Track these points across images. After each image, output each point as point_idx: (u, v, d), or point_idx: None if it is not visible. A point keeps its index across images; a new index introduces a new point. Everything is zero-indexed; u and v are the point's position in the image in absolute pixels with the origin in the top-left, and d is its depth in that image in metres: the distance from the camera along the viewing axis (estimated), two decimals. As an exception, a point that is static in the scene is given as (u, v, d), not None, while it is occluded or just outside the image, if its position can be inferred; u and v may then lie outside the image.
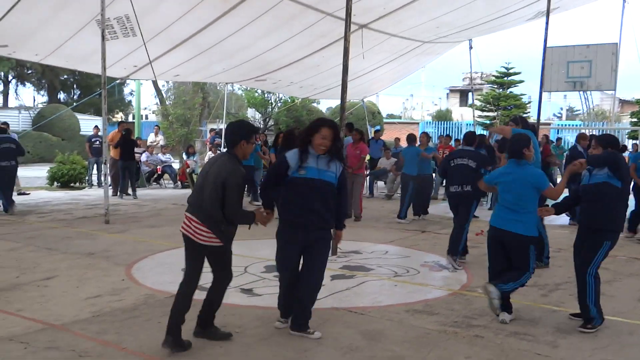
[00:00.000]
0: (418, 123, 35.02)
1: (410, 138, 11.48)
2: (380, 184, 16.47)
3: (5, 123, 14.45)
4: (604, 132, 19.03)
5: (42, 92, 44.56)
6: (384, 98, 49.16)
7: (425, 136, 11.90)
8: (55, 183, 16.09)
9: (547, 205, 5.44)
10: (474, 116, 22.92)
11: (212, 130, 20.76)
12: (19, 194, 14.01)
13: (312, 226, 4.38)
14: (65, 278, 6.17)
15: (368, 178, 15.55)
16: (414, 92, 59.71)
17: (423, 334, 4.63)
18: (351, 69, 15.20)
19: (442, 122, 34.49)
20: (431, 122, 36.70)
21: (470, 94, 35.00)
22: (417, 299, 5.68)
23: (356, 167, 11.00)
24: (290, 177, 4.41)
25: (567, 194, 5.70)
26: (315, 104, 29.45)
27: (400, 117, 50.79)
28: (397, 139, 17.94)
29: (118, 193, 14.20)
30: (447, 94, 58.94)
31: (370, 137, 17.90)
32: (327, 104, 34.24)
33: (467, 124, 32.70)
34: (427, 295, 5.82)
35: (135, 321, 4.79)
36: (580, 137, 10.98)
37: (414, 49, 16.55)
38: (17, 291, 5.64)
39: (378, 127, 23.95)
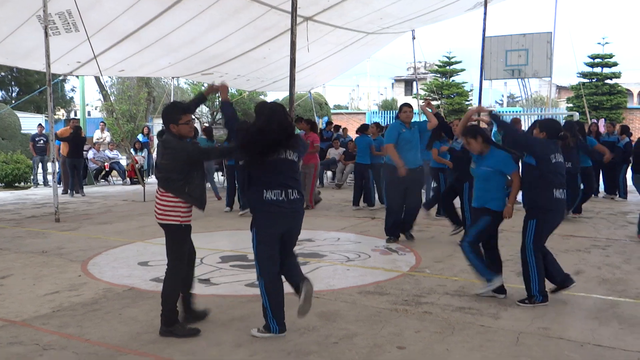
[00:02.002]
0: (365, 113, 35.44)
1: (362, 127, 11.77)
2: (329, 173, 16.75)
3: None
4: (543, 118, 19.84)
5: (-23, 90, 42.97)
6: (330, 89, 49.56)
7: (376, 126, 12.17)
8: (-1, 183, 15.74)
9: None
10: (418, 105, 23.42)
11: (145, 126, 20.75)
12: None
13: None
14: (20, 276, 6.18)
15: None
16: (360, 82, 60.24)
17: (375, 312, 4.89)
18: (297, 60, 15.38)
19: (388, 112, 35.00)
20: (377, 112, 37.18)
21: (414, 83, 35.69)
22: (368, 281, 5.95)
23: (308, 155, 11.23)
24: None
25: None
26: (262, 97, 29.48)
27: (347, 108, 51.23)
28: (343, 129, 18.22)
29: (68, 191, 14.00)
30: (392, 83, 59.76)
31: (322, 128, 18.17)
32: (274, 96, 34.26)
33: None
34: (378, 278, 6.09)
35: (96, 314, 4.88)
36: (514, 122, 11.53)
37: (359, 40, 16.86)
38: (-28, 291, 5.63)
39: (326, 118, 24.24)
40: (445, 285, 5.75)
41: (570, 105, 30.24)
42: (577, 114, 19.99)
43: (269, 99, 31.02)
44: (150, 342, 4.23)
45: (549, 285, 5.24)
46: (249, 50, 15.59)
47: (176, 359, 3.93)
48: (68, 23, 11.40)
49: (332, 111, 34.10)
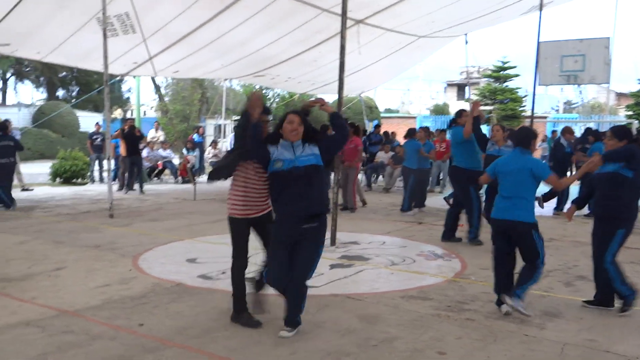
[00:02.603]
0: (415, 117, 35.20)
1: (410, 132, 11.72)
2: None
3: (7, 120, 14.66)
4: (602, 125, 19.28)
5: (40, 89, 44.67)
6: (381, 92, 49.33)
7: (424, 131, 12.10)
8: (58, 179, 16.32)
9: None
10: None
11: (195, 128, 21.09)
12: (23, 189, 14.25)
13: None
14: (74, 269, 6.42)
15: (366, 171, 15.84)
16: (411, 86, 59.80)
17: (417, 317, 4.88)
18: (348, 64, 15.40)
19: (439, 116, 34.69)
20: (428, 116, 36.88)
21: (467, 88, 35.21)
22: (412, 285, 5.93)
23: (355, 160, 11.27)
24: (270, 172, 4.37)
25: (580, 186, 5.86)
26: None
27: (397, 112, 50.97)
28: (392, 133, 18.16)
29: (124, 188, 14.44)
30: (445, 88, 59.10)
31: (370, 131, 18.17)
32: (326, 99, 34.27)
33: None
34: (422, 282, 6.06)
35: (144, 307, 5.04)
36: (566, 131, 11.23)
37: (410, 44, 16.76)
38: (30, 281, 5.89)
39: (376, 122, 24.19)
40: (490, 293, 5.65)
41: (630, 112, 29.29)
42: (637, 122, 19.36)
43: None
44: (194, 336, 4.34)
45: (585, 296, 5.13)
46: (300, 53, 15.71)
47: (218, 354, 4.02)
48: (126, 25, 11.74)
49: (382, 115, 34.04)
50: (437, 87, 60.99)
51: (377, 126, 18.68)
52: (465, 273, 6.50)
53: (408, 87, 59.21)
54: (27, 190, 14.32)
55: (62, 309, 4.96)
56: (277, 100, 28.66)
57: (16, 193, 13.53)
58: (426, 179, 11.99)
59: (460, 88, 54.28)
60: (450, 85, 57.50)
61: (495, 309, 5.10)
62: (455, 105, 49.35)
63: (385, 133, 18.38)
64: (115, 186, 14.35)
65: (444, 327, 4.66)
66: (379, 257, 7.25)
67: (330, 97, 23.77)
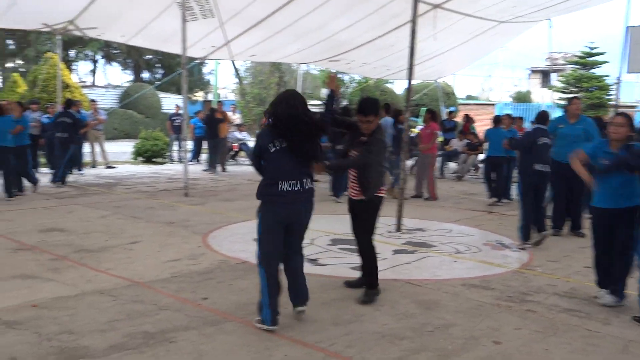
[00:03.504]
0: (494, 104, 34.29)
1: (496, 120, 11.42)
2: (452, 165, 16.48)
3: (93, 100, 15.41)
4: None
5: (127, 71, 46.52)
6: (461, 78, 48.29)
7: (508, 118, 11.74)
8: (140, 158, 17.06)
9: None
10: (552, 98, 22.36)
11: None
12: (107, 167, 15.00)
13: None
14: (148, 243, 6.75)
15: (440, 159, 15.63)
16: (492, 72, 58.13)
17: (476, 306, 4.84)
18: (424, 50, 15.25)
19: (521, 104, 33.65)
20: (509, 104, 35.83)
21: (551, 74, 33.98)
22: (475, 274, 5.87)
23: (427, 147, 11.15)
24: None
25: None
26: (389, 84, 29.45)
27: (477, 98, 49.77)
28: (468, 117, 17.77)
29: (209, 168, 14.99)
30: (529, 74, 57.09)
31: (444, 118, 17.89)
32: (401, 85, 34.03)
33: (547, 106, 31.78)
34: (486, 272, 5.99)
35: (209, 282, 5.25)
36: None
37: (490, 29, 16.32)
38: (106, 253, 6.24)
39: (453, 108, 23.76)
40: (556, 285, 5.54)
41: None
42: None
43: (396, 87, 30.96)
44: (254, 312, 4.47)
45: None
46: (376, 37, 15.62)
47: (276, 331, 4.15)
48: (204, 9, 12.06)
49: (459, 101, 33.36)
50: (520, 74, 58.99)
51: (451, 113, 18.35)
52: (531, 264, 6.36)
53: (489, 73, 57.66)
54: (111, 167, 15.06)
55: (134, 280, 5.25)
56: (353, 85, 28.62)
57: (100, 170, 14.28)
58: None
59: (545, 75, 52.24)
60: (534, 71, 55.44)
61: (559, 302, 4.99)
62: (539, 93, 47.70)
63: (467, 116, 17.99)
64: (195, 166, 14.88)
65: (503, 317, 4.60)
66: (443, 244, 7.20)
67: (406, 83, 23.62)
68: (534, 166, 7.28)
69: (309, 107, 4.33)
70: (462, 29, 15.56)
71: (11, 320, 4.20)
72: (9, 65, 37.87)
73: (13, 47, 37.33)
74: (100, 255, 6.15)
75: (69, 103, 12.60)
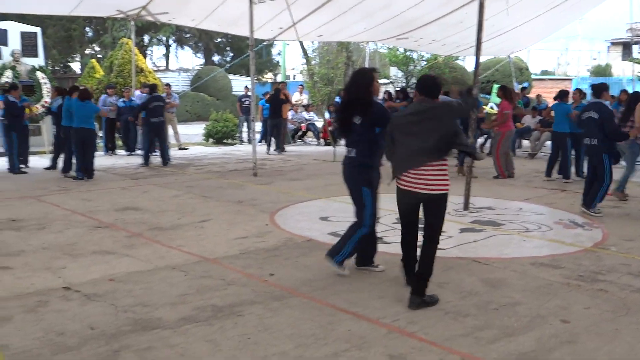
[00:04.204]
0: (571, 79, 32.97)
1: (561, 94, 11.04)
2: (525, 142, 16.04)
3: (168, 84, 15.86)
4: None
5: (198, 55, 47.56)
6: (535, 53, 46.62)
7: (579, 92, 11.31)
8: (210, 139, 17.49)
9: None
10: (633, 71, 21.27)
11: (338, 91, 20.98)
12: (180, 149, 15.47)
13: None
14: (217, 221, 6.95)
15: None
16: (569, 45, 55.73)
17: (545, 284, 4.74)
18: (496, 24, 14.78)
19: (600, 78, 32.20)
20: (587, 78, 34.36)
21: (633, 46, 32.27)
22: (544, 253, 5.74)
23: (498, 124, 10.91)
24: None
25: None
26: (459, 61, 28.78)
27: (553, 73, 47.95)
28: (539, 96, 17.21)
29: (269, 148, 15.26)
30: (608, 47, 54.43)
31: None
32: (472, 61, 33.17)
33: (628, 80, 30.26)
34: (556, 251, 5.84)
35: (275, 259, 5.37)
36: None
37: (567, 0, 15.65)
38: (178, 230, 6.48)
39: (526, 84, 23.02)
40: (630, 265, 5.34)
41: None
42: None
43: (466, 63, 30.24)
44: (319, 288, 4.57)
45: None
46: (446, 14, 15.29)
47: (339, 306, 4.21)
48: (271, -10, 12.15)
49: (534, 77, 32.26)
50: (599, 47, 56.27)
51: (524, 88, 17.80)
52: (605, 244, 6.14)
53: (565, 46, 55.32)
54: (183, 149, 15.52)
55: (204, 257, 5.43)
56: (422, 63, 28.15)
57: (173, 151, 14.73)
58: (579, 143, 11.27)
59: (626, 46, 49.65)
60: (614, 43, 52.80)
61: (632, 282, 4.82)
62: (619, 66, 45.42)
63: (538, 96, 17.46)
64: (263, 147, 15.15)
65: (572, 296, 4.49)
66: (512, 223, 7.05)
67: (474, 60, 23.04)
68: (584, 140, 7.66)
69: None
70: (537, 2, 14.99)
71: (91, 292, 4.45)
72: (88, 51, 39.41)
73: (91, 34, 38.81)
74: (173, 232, 6.39)
75: (154, 87, 12.93)
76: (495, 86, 16.37)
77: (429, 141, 4.15)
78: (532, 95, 19.67)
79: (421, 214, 4.37)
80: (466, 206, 7.72)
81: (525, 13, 15.60)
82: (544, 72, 44.20)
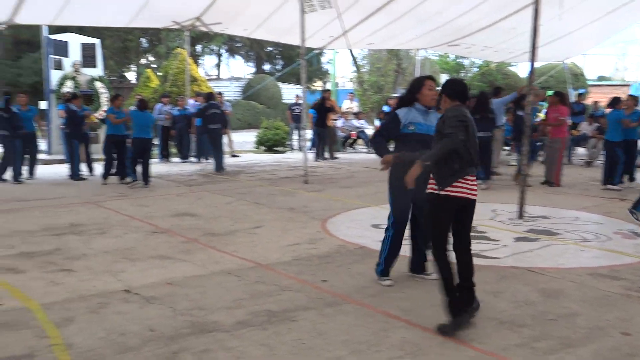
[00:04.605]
0: (629, 85, 31.95)
1: (614, 101, 10.78)
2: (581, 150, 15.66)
3: (220, 93, 16.17)
4: None
5: (249, 63, 48.29)
6: (591, 58, 45.35)
7: (632, 99, 11.01)
8: (262, 147, 17.72)
9: None
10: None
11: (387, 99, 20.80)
12: (232, 156, 15.72)
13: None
14: (270, 228, 7.05)
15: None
16: (628, 50, 54.05)
17: (603, 296, 4.62)
18: (550, 30, 14.50)
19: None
20: (646, 84, 33.22)
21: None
22: (603, 264, 5.59)
23: (553, 128, 10.70)
24: (401, 132, 4.74)
25: None
26: (511, 67, 28.34)
27: (610, 79, 46.58)
28: (596, 102, 16.78)
29: (317, 156, 15.33)
30: (670, 51, 52.51)
31: (572, 101, 16.99)
32: (525, 67, 32.59)
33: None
34: (615, 261, 5.68)
35: (328, 266, 5.41)
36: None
37: (625, 4, 15.22)
38: (232, 236, 6.60)
39: (582, 90, 22.47)
40: (696, 277, 5.16)
41: None
42: None
43: (519, 70, 29.74)
44: (371, 295, 4.58)
45: None
46: (498, 20, 15.11)
47: (392, 313, 4.22)
48: (322, 0, 12.27)
49: (590, 83, 31.43)
50: (661, 51, 54.25)
51: (580, 95, 17.38)
52: (668, 255, 5.95)
53: (623, 51, 53.64)
54: (235, 156, 15.77)
55: (257, 262, 5.52)
56: (473, 69, 27.86)
57: (226, 159, 14.99)
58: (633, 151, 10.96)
59: (689, 51, 47.82)
60: (676, 48, 50.91)
61: (698, 295, 4.65)
62: (681, 71, 43.74)
63: (595, 102, 17.04)
64: (312, 155, 15.24)
65: (633, 308, 4.37)
66: (569, 232, 6.90)
67: (529, 66, 22.65)
68: None
69: None
70: (593, 5, 14.65)
71: (149, 295, 4.58)
72: (143, 61, 40.50)
73: (146, 44, 39.89)
74: (227, 238, 6.51)
75: (211, 96, 13.16)
76: (549, 92, 16.05)
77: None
78: (588, 101, 19.21)
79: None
80: (520, 215, 7.59)
81: (581, 17, 15.27)
82: (601, 78, 42.96)
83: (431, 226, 4.03)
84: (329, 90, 17.39)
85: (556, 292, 4.71)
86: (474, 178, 4.02)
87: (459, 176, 3.93)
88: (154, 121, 11.61)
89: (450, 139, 3.86)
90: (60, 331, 3.89)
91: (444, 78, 31.34)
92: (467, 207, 4.01)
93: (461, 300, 3.95)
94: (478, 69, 27.20)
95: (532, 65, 7.42)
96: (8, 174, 11.12)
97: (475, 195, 4.01)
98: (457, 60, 27.63)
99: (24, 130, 11.18)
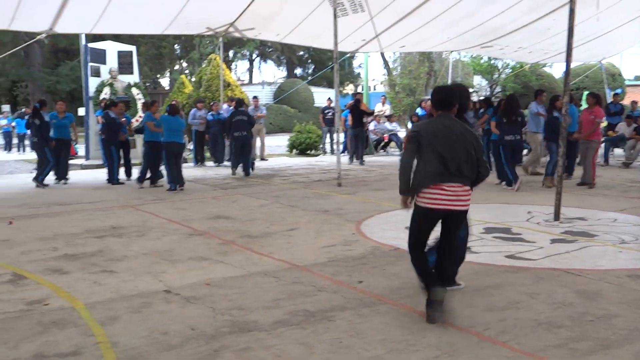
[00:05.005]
0: (668, 84, 31.24)
1: None
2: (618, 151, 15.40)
3: (256, 97, 16.34)
4: None
5: (281, 68, 48.62)
6: (629, 58, 44.36)
7: None
8: (294, 150, 17.85)
9: None
10: None
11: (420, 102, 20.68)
12: (262, 159, 15.90)
13: None
14: (305, 230, 7.13)
15: (604, 145, 14.65)
16: (666, 49, 52.69)
17: (643, 297, 4.58)
18: (586, 30, 14.29)
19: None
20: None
21: None
22: (642, 265, 5.53)
23: (588, 133, 10.56)
24: None
25: None
26: (546, 68, 27.99)
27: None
28: (634, 102, 16.47)
29: (351, 158, 15.36)
30: None
31: (609, 102, 16.72)
32: (560, 68, 32.16)
33: None
34: (655, 263, 5.61)
35: (363, 267, 5.46)
36: None
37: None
38: (268, 238, 6.70)
39: (619, 90, 22.10)
40: None
41: None
42: None
43: (554, 70, 29.36)
44: (407, 296, 4.62)
45: None
46: (532, 21, 14.97)
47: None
48: (355, 4, 12.33)
49: (627, 82, 30.84)
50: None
51: (616, 95, 17.08)
52: None
53: (662, 50, 52.42)
54: (264, 160, 15.94)
55: (294, 264, 5.60)
56: (507, 71, 27.57)
57: (257, 163, 15.15)
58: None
59: None
60: None
61: None
62: None
63: (633, 102, 16.74)
64: (345, 158, 15.30)
65: (674, 310, 4.32)
66: (607, 234, 6.81)
67: (564, 67, 22.35)
68: None
69: None
70: (630, 5, 14.40)
71: (189, 295, 4.69)
72: (176, 67, 41.08)
73: (179, 51, 40.46)
74: (263, 240, 6.61)
75: (240, 102, 13.29)
76: (585, 93, 15.84)
77: None
78: (626, 102, 18.87)
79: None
80: (557, 216, 7.53)
81: (618, 17, 15.04)
82: (638, 78, 42.08)
83: (409, 231, 4.32)
84: (361, 92, 17.43)
85: (594, 293, 4.67)
86: (458, 187, 4.03)
87: (420, 189, 4.08)
88: (184, 126, 11.79)
89: (400, 159, 4.23)
90: (104, 330, 4.02)
91: (477, 80, 31.11)
92: (448, 216, 4.11)
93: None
94: (511, 71, 26.91)
95: (568, 66, 7.35)
96: (49, 179, 11.48)
97: (457, 205, 4.06)
98: (491, 62, 27.36)
99: (52, 138, 11.51)
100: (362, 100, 16.24)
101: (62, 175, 11.85)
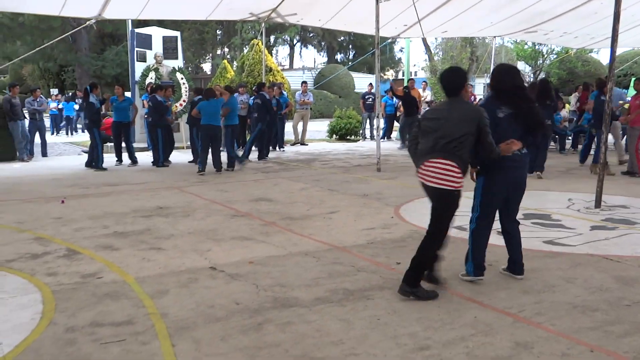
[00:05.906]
0: None
1: None
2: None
3: (304, 82, 16.51)
4: None
5: (321, 53, 48.64)
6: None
7: None
8: (334, 136, 17.97)
9: None
10: None
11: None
12: (302, 144, 16.09)
13: None
14: (345, 213, 7.27)
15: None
16: None
17: (683, 284, 4.58)
18: (635, 13, 13.94)
19: None
20: None
21: None
22: (683, 253, 5.50)
23: (631, 117, 10.38)
24: None
25: None
26: (593, 54, 27.36)
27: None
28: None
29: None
30: None
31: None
32: (607, 53, 31.29)
33: None
34: (698, 251, 5.57)
35: (402, 250, 5.58)
36: None
37: None
38: (308, 220, 6.87)
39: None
40: None
41: None
42: None
43: (601, 56, 28.68)
44: (450, 279, 4.71)
45: None
46: (579, 5, 14.70)
47: (465, 294, 4.35)
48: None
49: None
50: None
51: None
52: None
53: None
54: (303, 144, 16.12)
55: (333, 245, 5.75)
56: (551, 56, 27.06)
57: (298, 147, 15.33)
58: None
59: None
60: None
61: None
62: None
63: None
64: (385, 143, 15.36)
65: None
66: (649, 222, 6.77)
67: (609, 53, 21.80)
68: None
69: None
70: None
71: (234, 272, 4.89)
72: (218, 52, 41.50)
73: (221, 36, 40.86)
74: (303, 222, 6.78)
75: (261, 86, 13.57)
76: (633, 79, 15.49)
77: None
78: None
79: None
80: (598, 204, 7.49)
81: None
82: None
83: None
84: (412, 79, 17.35)
85: (632, 279, 4.69)
86: (431, 163, 4.31)
87: (417, 165, 4.51)
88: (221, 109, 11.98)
89: None
90: (154, 302, 4.25)
91: (520, 66, 30.61)
92: (426, 190, 4.45)
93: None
94: (556, 56, 26.41)
95: (613, 52, 7.27)
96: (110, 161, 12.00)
97: (427, 180, 4.36)
98: (535, 47, 26.89)
99: (101, 121, 11.99)
100: (413, 86, 16.16)
101: (122, 157, 12.35)
